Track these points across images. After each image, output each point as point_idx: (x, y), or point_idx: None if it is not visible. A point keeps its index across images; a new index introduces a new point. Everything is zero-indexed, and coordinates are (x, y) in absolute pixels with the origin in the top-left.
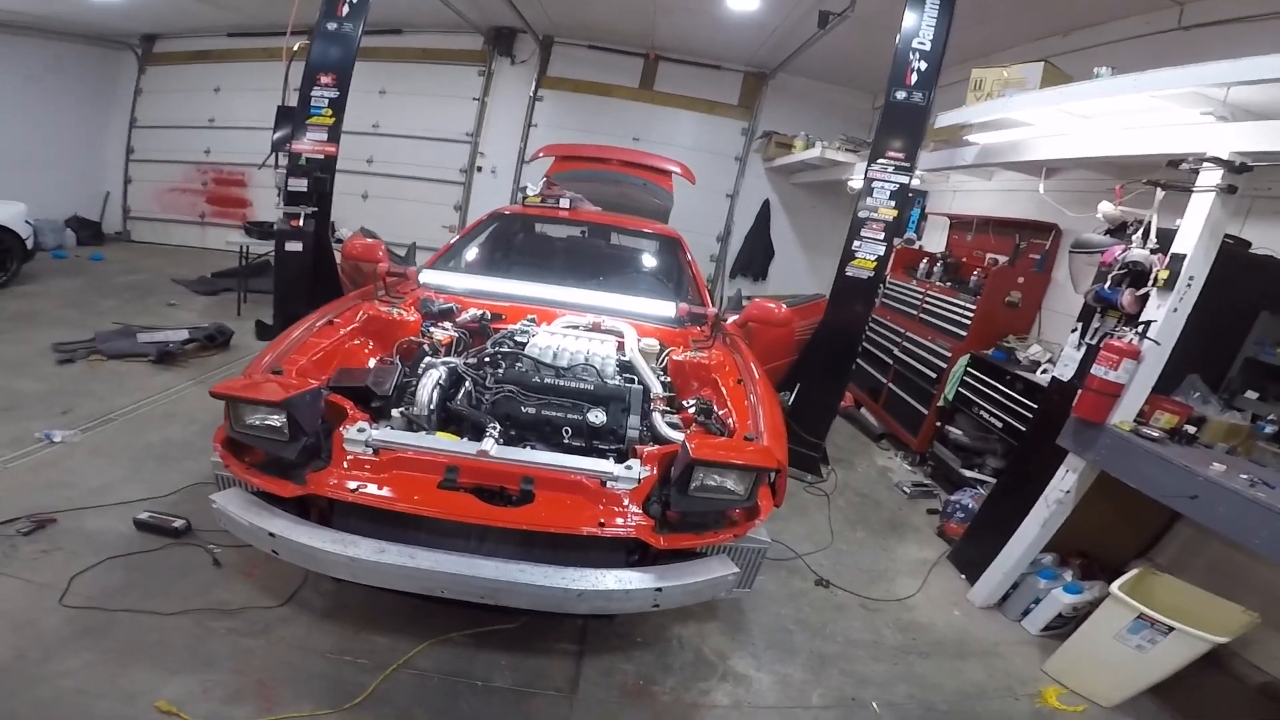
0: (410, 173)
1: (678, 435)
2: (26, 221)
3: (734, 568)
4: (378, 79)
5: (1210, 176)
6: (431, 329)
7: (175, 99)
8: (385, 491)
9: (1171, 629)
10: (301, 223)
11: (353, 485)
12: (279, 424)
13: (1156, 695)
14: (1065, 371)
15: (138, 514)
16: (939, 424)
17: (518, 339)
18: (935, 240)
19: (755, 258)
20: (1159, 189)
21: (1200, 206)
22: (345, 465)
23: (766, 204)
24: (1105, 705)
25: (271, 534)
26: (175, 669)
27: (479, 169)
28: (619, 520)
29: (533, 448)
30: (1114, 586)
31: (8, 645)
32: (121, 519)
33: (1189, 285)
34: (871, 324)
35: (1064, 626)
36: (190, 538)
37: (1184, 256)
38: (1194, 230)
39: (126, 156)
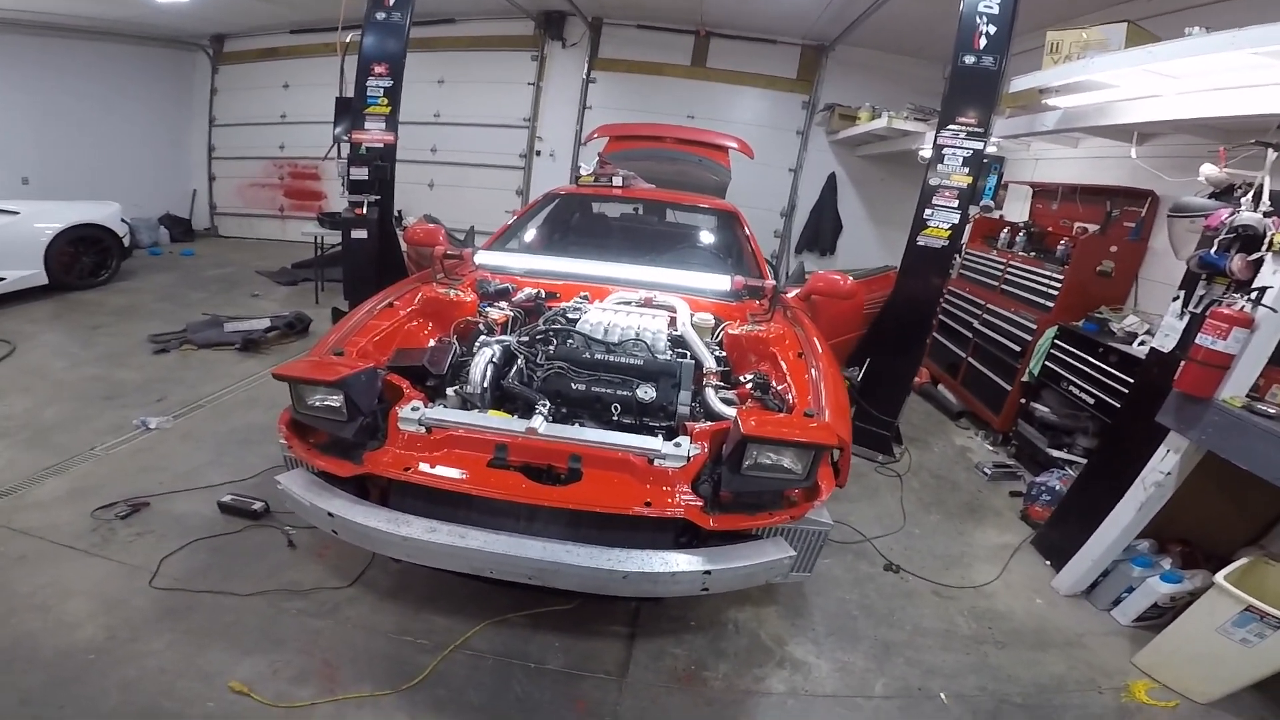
0: (472, 160)
1: (732, 411)
2: (123, 220)
3: (790, 551)
4: (435, 69)
5: None
6: (487, 309)
7: (248, 96)
8: (437, 470)
9: None
10: (365, 210)
11: (405, 465)
12: (337, 404)
13: (1259, 691)
14: (1166, 342)
15: (221, 497)
16: (1023, 401)
17: (569, 316)
18: (1016, 210)
19: (822, 232)
20: (1271, 150)
21: None
22: (400, 444)
23: (832, 177)
24: (1201, 701)
25: (331, 514)
26: (248, 649)
27: (538, 153)
28: (668, 500)
29: (582, 425)
30: (1219, 576)
31: (101, 625)
32: (207, 502)
33: None
34: (948, 296)
35: (1159, 618)
36: (268, 519)
37: None
38: None
39: (209, 154)
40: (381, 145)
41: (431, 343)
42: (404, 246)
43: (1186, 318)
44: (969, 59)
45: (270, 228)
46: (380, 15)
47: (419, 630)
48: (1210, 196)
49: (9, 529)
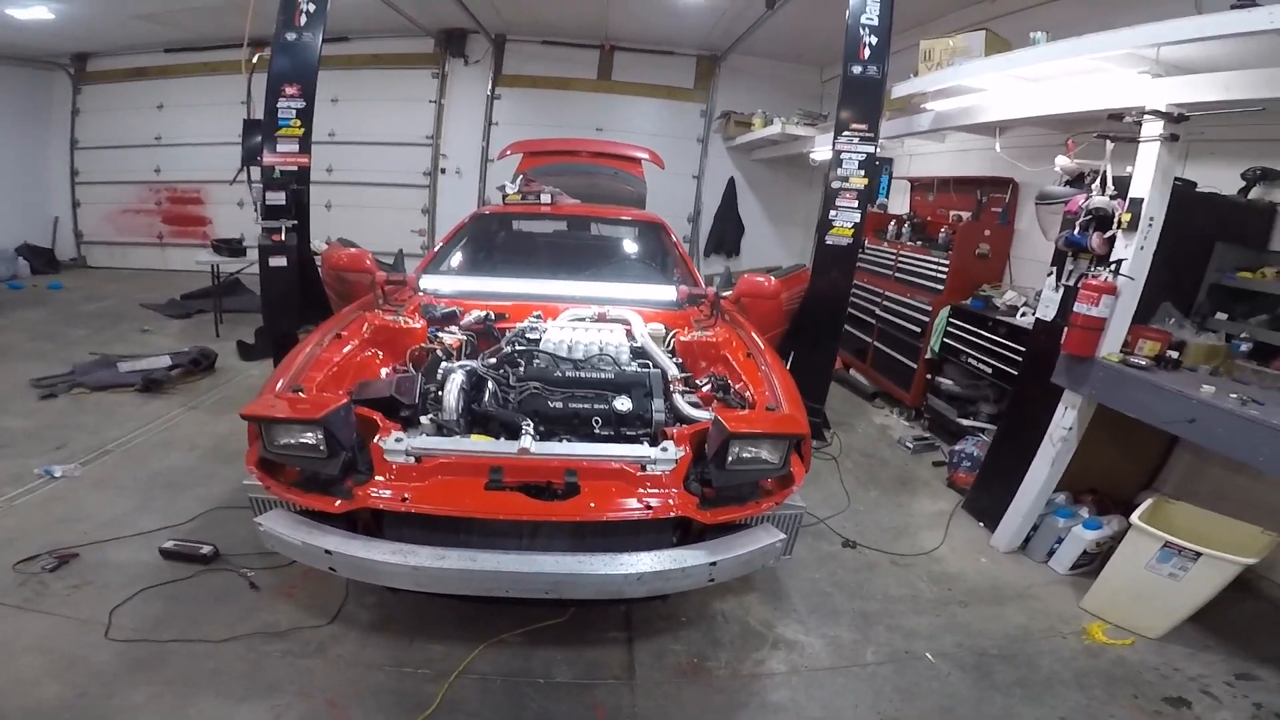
0: (373, 179)
1: (701, 414)
2: None
3: (780, 534)
4: (329, 87)
5: (1153, 127)
6: (439, 334)
7: (117, 118)
8: (436, 497)
9: (1199, 554)
10: (284, 236)
11: (403, 495)
12: (313, 441)
13: (1199, 624)
14: (1048, 312)
15: (163, 543)
16: (929, 376)
17: (529, 336)
18: (898, 203)
19: (727, 235)
20: (1108, 141)
21: (1149, 155)
22: (389, 476)
23: (732, 182)
24: (1152, 636)
25: (328, 551)
26: (241, 696)
27: (443, 171)
28: (665, 501)
29: (567, 440)
30: (1134, 517)
31: (67, 684)
32: (144, 549)
33: (1150, 225)
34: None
35: (1090, 564)
36: (221, 563)
37: (1142, 200)
38: (1146, 176)
39: (72, 179)
40: (296, 168)
41: (385, 372)
42: (321, 273)
43: (1061, 290)
44: (856, 69)
45: (148, 256)
46: (290, 35)
47: (416, 660)
48: (1065, 184)
49: None
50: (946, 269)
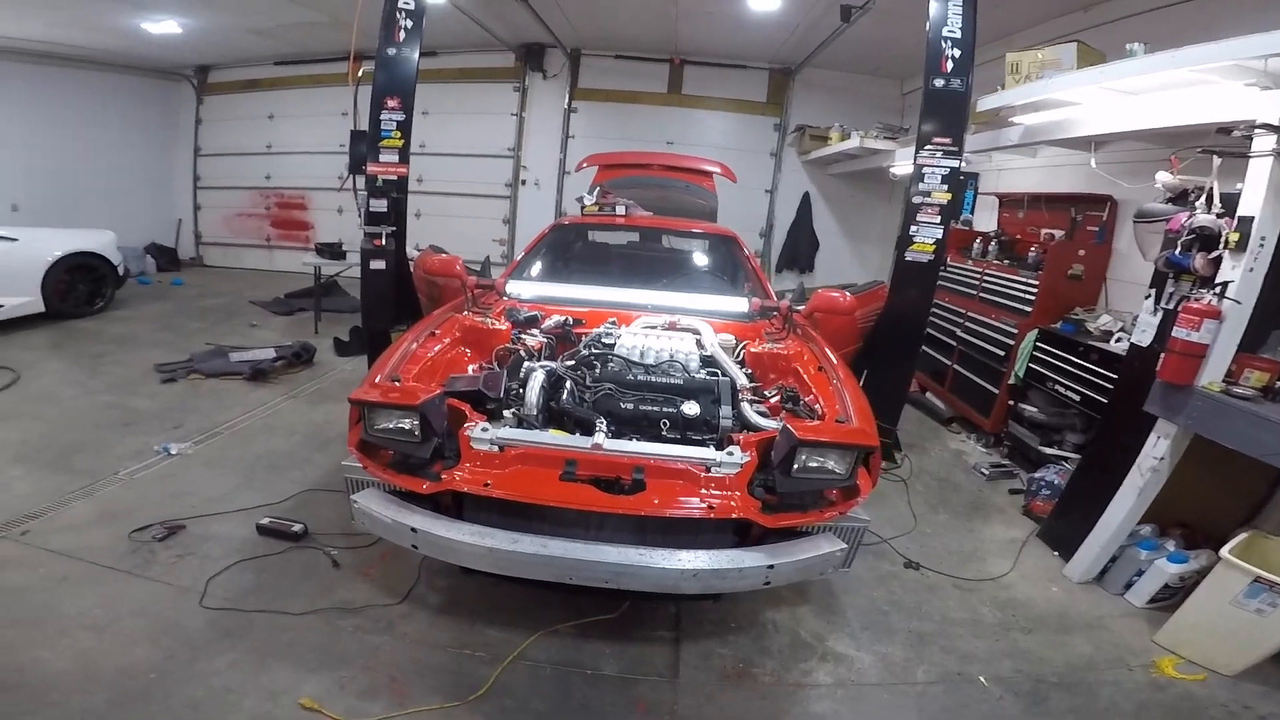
0: (459, 189)
1: (767, 423)
2: (117, 249)
3: (841, 544)
4: (420, 101)
5: (1264, 141)
6: (522, 336)
7: (233, 127)
8: (515, 485)
9: None
10: (384, 241)
11: (485, 480)
12: (409, 426)
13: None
14: (1144, 337)
15: (259, 519)
16: (1011, 402)
17: (604, 341)
18: (985, 220)
19: (800, 250)
20: (1215, 156)
21: (1260, 170)
22: (474, 462)
23: (806, 196)
24: (1227, 673)
25: (414, 529)
26: (312, 667)
27: (523, 182)
28: (727, 503)
29: (635, 440)
30: (1224, 551)
31: (159, 646)
32: (243, 524)
33: (1261, 245)
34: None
35: (1171, 598)
36: (309, 541)
37: (1252, 219)
38: (1258, 193)
39: (194, 184)
40: (396, 177)
41: (471, 369)
42: (414, 277)
43: (1160, 314)
44: (939, 82)
45: (257, 258)
46: (391, 50)
47: (475, 643)
48: (1167, 201)
49: (45, 550)
50: (1035, 290)
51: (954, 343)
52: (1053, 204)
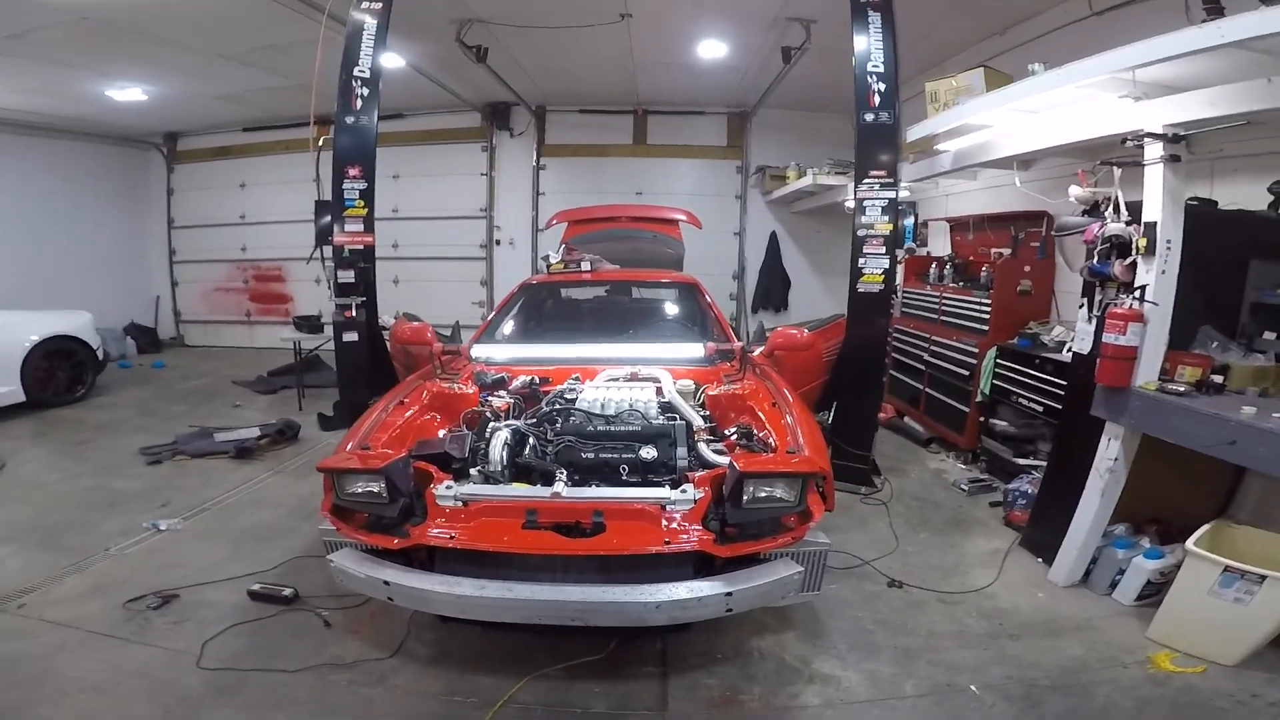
0: (434, 253)
1: (723, 460)
2: (95, 331)
3: (797, 567)
4: (390, 164)
5: (1154, 149)
6: (489, 398)
7: (206, 197)
8: (480, 536)
9: (1264, 577)
10: (354, 313)
11: (450, 533)
12: (378, 489)
13: None
14: (1084, 345)
15: (250, 586)
16: (982, 419)
17: (568, 396)
18: (940, 245)
19: (773, 290)
20: (1114, 167)
21: (1155, 177)
22: (440, 518)
23: (774, 236)
24: (1227, 664)
25: (386, 582)
26: (307, 718)
27: (498, 242)
28: (682, 537)
29: (597, 486)
30: (1189, 543)
31: (158, 704)
32: (235, 592)
33: (1169, 248)
34: (898, 334)
35: (1158, 594)
36: (300, 604)
37: (1155, 224)
38: (1156, 199)
39: (170, 258)
40: (362, 247)
41: (441, 433)
42: (389, 346)
43: (1094, 321)
44: (869, 116)
45: (237, 334)
46: (349, 119)
47: (466, 690)
48: (1082, 214)
49: (42, 620)
50: (990, 308)
51: (923, 366)
52: (996, 224)
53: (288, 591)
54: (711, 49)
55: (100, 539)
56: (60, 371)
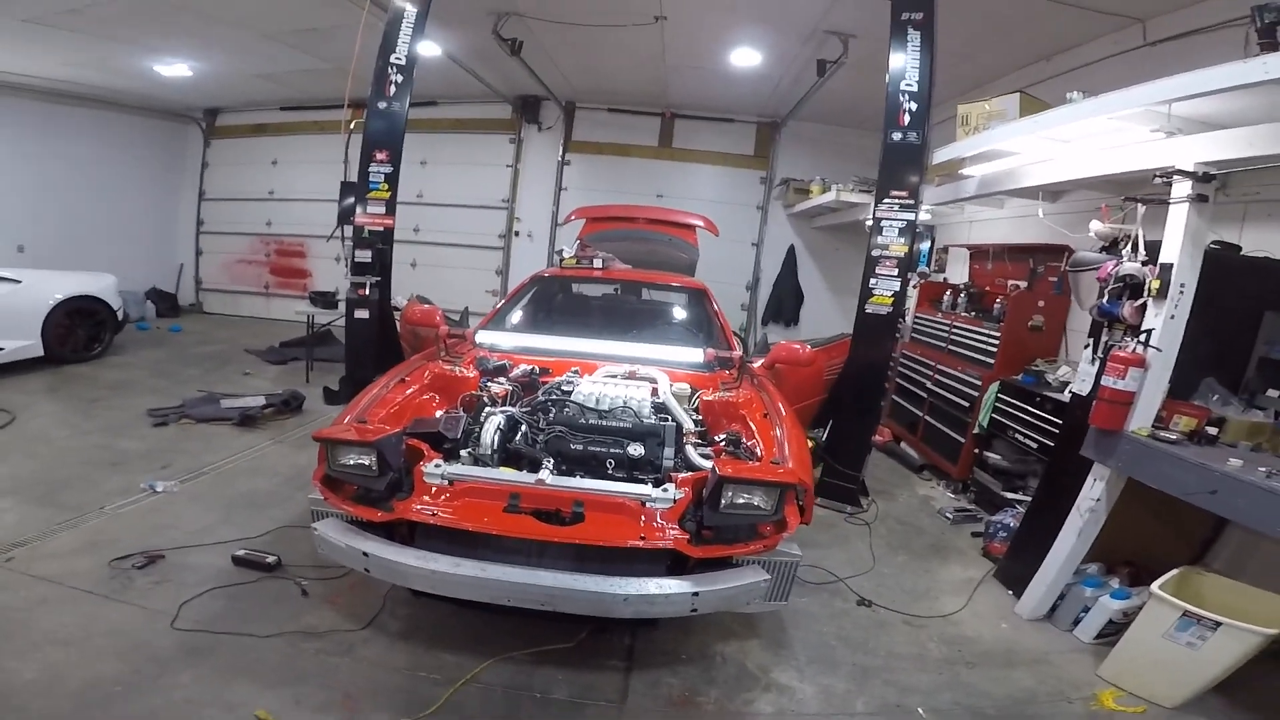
0: (453, 240)
1: (708, 463)
2: (118, 293)
3: (765, 575)
4: (418, 150)
5: (1181, 188)
6: (489, 384)
7: (238, 172)
8: (461, 515)
9: (1219, 624)
10: (368, 291)
11: (433, 510)
12: (368, 462)
13: (1225, 694)
14: (1083, 386)
15: (235, 551)
16: (977, 450)
17: (564, 388)
18: (958, 272)
19: (785, 303)
20: (1138, 204)
21: (1178, 217)
22: (426, 495)
23: (792, 249)
24: (1167, 706)
25: (365, 553)
26: (271, 683)
27: (516, 234)
28: (658, 534)
29: (581, 477)
30: (1155, 586)
31: (127, 662)
32: (220, 556)
33: (1181, 292)
34: (904, 359)
35: (1118, 634)
36: (281, 572)
37: (1171, 265)
38: (1176, 240)
39: (197, 228)
40: (382, 229)
41: (439, 413)
42: (399, 326)
43: (1098, 362)
44: (896, 135)
45: (255, 305)
46: (382, 104)
47: (431, 666)
48: (1101, 250)
49: (28, 575)
50: (998, 341)
51: (924, 394)
52: (1015, 255)
53: (271, 559)
54: (745, 57)
55: (98, 497)
56: (80, 329)
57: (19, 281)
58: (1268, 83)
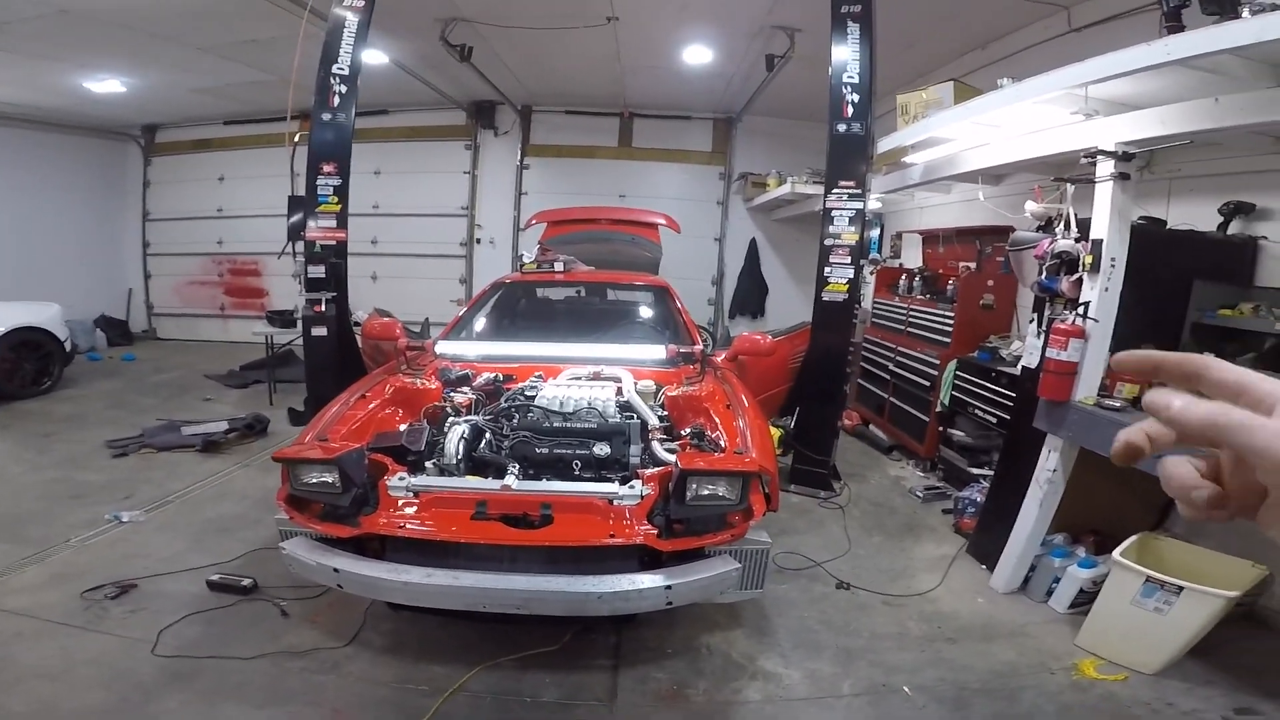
0: (414, 250)
1: (673, 458)
2: (64, 323)
3: (736, 564)
4: (371, 160)
5: (1105, 167)
6: (452, 394)
7: (183, 190)
8: (429, 525)
9: (1181, 589)
10: (324, 308)
11: (401, 523)
12: (331, 480)
13: (1203, 659)
14: (1032, 360)
15: (210, 576)
16: (941, 428)
17: (527, 394)
18: (912, 257)
19: (751, 296)
20: (1067, 184)
21: (1104, 195)
22: (392, 508)
23: (754, 243)
24: (1147, 672)
25: (336, 569)
26: (260, 704)
27: (478, 241)
28: (628, 531)
29: (548, 480)
30: (1116, 553)
31: (112, 691)
32: (194, 582)
33: (1113, 265)
34: (867, 344)
35: (1090, 603)
36: (258, 594)
37: (1101, 241)
38: (1104, 216)
39: (144, 250)
40: (334, 242)
41: (402, 426)
42: (359, 341)
43: (1043, 336)
44: (841, 127)
45: (211, 328)
46: (326, 115)
47: (418, 678)
48: (1037, 229)
49: (0, 610)
50: (952, 321)
51: (888, 376)
52: (964, 238)
53: (246, 582)
54: (697, 54)
55: (62, 530)
56: (27, 364)
57: None
58: (1172, 63)
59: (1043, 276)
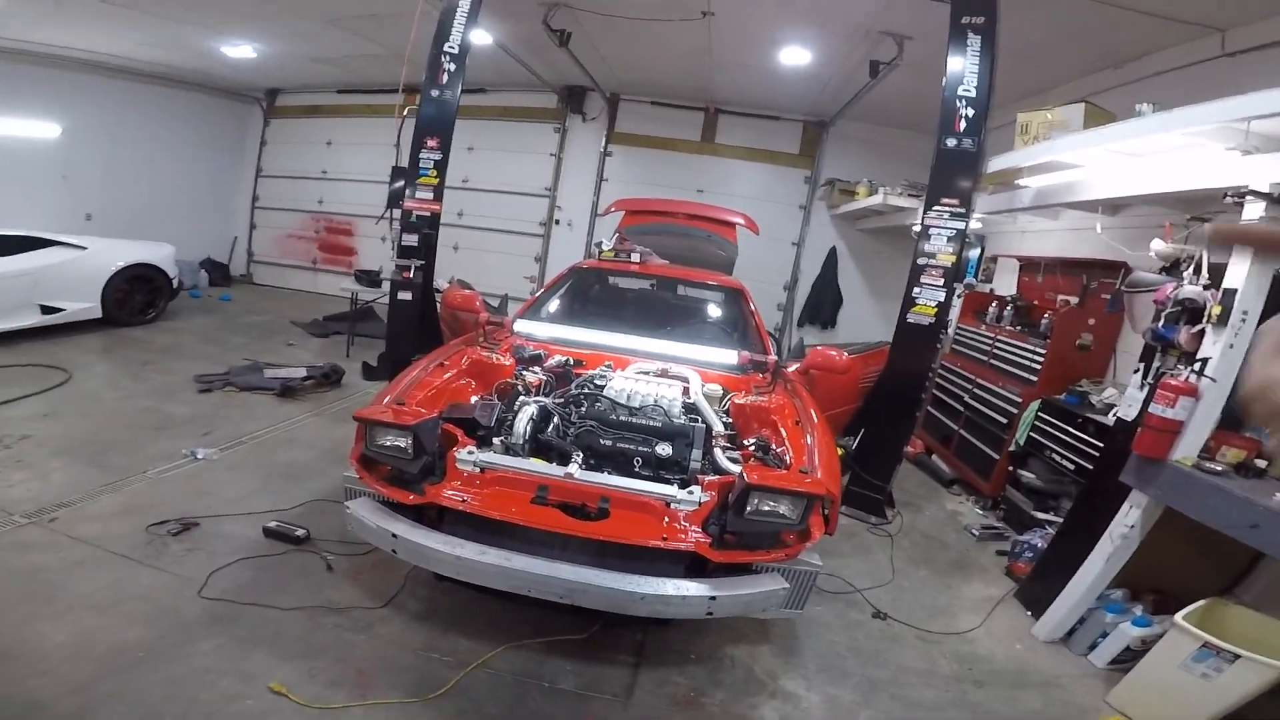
0: (496, 225)
1: (736, 468)
2: (174, 262)
3: (784, 584)
4: (466, 136)
5: (1254, 209)
6: (524, 372)
7: (294, 150)
8: (489, 503)
9: (1237, 656)
10: (412, 274)
11: (463, 497)
12: (404, 445)
13: None
14: (1129, 411)
15: (267, 523)
16: (1011, 468)
17: (597, 383)
18: (1006, 283)
19: (823, 305)
20: (1204, 224)
21: None
22: (457, 481)
23: (833, 251)
24: None
25: (394, 534)
26: (288, 656)
27: (556, 222)
28: (680, 536)
29: (609, 473)
30: (1178, 616)
31: (153, 628)
32: (252, 526)
33: (1243, 320)
34: (942, 370)
35: (1133, 661)
36: (309, 545)
37: (1235, 291)
38: (1243, 264)
39: (253, 203)
40: (429, 214)
41: (474, 399)
42: (440, 309)
43: (1146, 389)
44: (950, 141)
45: (302, 279)
46: (435, 92)
47: (445, 649)
48: (1161, 270)
49: (68, 536)
50: (1043, 358)
51: (961, 408)
52: (1068, 270)
53: (300, 532)
54: (795, 55)
55: (142, 461)
56: (138, 295)
57: (85, 249)
58: None
59: (1159, 324)
